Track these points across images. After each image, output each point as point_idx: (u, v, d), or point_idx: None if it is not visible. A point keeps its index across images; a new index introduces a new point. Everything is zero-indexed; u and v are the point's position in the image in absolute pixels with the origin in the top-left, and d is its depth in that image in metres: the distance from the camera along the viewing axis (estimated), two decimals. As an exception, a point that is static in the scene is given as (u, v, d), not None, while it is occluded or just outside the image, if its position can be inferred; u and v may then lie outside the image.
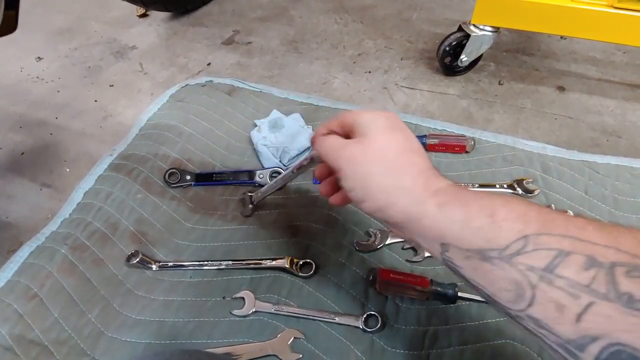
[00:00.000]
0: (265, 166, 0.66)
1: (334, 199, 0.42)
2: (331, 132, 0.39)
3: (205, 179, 0.64)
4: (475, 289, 0.30)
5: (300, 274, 0.52)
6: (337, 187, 0.42)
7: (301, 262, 0.53)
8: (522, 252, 0.26)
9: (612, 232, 0.25)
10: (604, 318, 0.22)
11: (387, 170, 0.33)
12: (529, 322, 0.26)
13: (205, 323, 0.49)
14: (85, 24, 1.29)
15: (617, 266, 0.23)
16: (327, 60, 1.05)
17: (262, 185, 0.63)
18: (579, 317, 0.23)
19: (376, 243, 0.55)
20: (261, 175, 0.63)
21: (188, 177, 0.64)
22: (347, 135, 0.38)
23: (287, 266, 0.52)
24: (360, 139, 0.35)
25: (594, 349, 0.22)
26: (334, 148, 0.37)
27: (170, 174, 0.64)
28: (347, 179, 0.35)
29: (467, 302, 0.49)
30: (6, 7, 0.63)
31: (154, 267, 0.54)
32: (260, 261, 0.53)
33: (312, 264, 0.52)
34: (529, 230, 0.26)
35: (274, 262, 0.53)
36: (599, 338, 0.22)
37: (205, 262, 0.54)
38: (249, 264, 0.53)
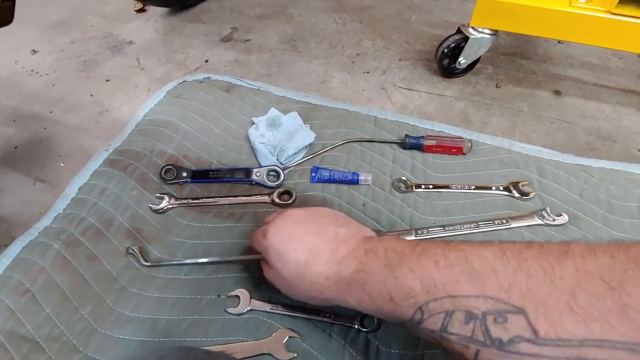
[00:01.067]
0: (263, 164, 0.66)
1: None
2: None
3: (201, 176, 0.64)
4: None
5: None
6: None
7: None
8: (422, 320, 0.31)
9: (479, 279, 0.28)
10: None
11: (305, 293, 0.40)
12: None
13: (199, 321, 0.48)
14: (81, 18, 1.28)
15: (487, 315, 0.27)
16: (325, 60, 1.05)
17: (259, 184, 0.63)
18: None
19: (372, 243, 0.54)
20: (258, 174, 0.63)
21: (184, 174, 0.63)
22: None
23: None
24: (271, 270, 0.44)
25: None
26: (265, 274, 0.46)
27: (167, 171, 0.63)
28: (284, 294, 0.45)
29: (462, 303, 0.49)
30: (2, -2, 0.62)
31: (143, 262, 0.53)
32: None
33: None
34: (420, 302, 0.31)
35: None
36: None
37: (206, 258, 0.54)
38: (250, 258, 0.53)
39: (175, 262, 0.54)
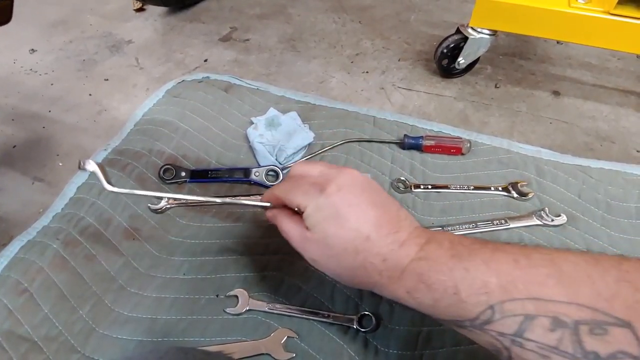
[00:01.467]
0: (262, 164, 0.66)
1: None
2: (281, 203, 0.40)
3: (200, 175, 0.64)
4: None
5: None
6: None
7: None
8: (491, 321, 0.27)
9: (571, 283, 0.25)
10: None
11: (349, 271, 0.35)
12: None
13: (198, 321, 0.48)
14: (80, 17, 1.28)
15: (580, 325, 0.24)
16: (324, 60, 1.05)
17: (258, 184, 0.63)
18: None
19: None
20: (257, 173, 0.63)
21: (183, 174, 0.63)
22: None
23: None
24: (313, 235, 0.36)
25: None
26: (294, 238, 0.38)
27: (165, 170, 0.63)
28: (317, 267, 0.37)
29: (461, 304, 0.49)
30: (1, -2, 0.62)
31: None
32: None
33: None
34: (493, 300, 0.27)
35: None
36: None
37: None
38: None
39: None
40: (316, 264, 0.37)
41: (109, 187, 0.45)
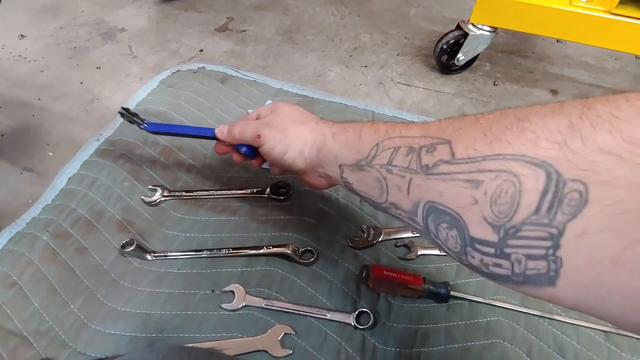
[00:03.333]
0: (259, 157, 0.64)
1: (254, 162, 0.52)
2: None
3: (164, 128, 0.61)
4: (364, 199, 0.39)
5: (301, 260, 0.51)
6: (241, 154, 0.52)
7: (302, 250, 0.52)
8: (376, 156, 0.36)
9: (427, 126, 0.34)
10: (417, 187, 0.31)
11: (297, 123, 0.46)
12: (391, 208, 0.35)
13: (193, 316, 0.47)
14: (71, 3, 1.24)
15: (422, 148, 0.31)
16: (322, 52, 1.04)
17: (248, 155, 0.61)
18: (407, 191, 0.32)
19: (369, 239, 0.54)
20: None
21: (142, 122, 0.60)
22: None
23: (288, 252, 0.51)
24: (270, 114, 0.48)
25: (419, 211, 0.31)
26: (251, 125, 0.48)
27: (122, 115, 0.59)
28: (267, 141, 0.46)
29: (459, 302, 0.49)
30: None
31: (148, 257, 0.52)
32: (261, 248, 0.52)
33: (313, 251, 0.52)
34: (378, 139, 0.37)
35: (274, 249, 0.52)
36: (419, 202, 0.31)
37: (201, 251, 0.53)
38: (249, 250, 0.52)
39: (172, 256, 0.53)
40: (267, 132, 0.46)
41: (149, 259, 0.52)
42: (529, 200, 0.23)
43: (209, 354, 0.30)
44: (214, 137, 0.52)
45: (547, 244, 0.22)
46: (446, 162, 0.29)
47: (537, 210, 0.23)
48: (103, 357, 0.44)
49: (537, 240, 0.23)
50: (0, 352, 0.43)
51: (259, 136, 0.46)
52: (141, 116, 0.57)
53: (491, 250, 0.25)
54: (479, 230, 0.26)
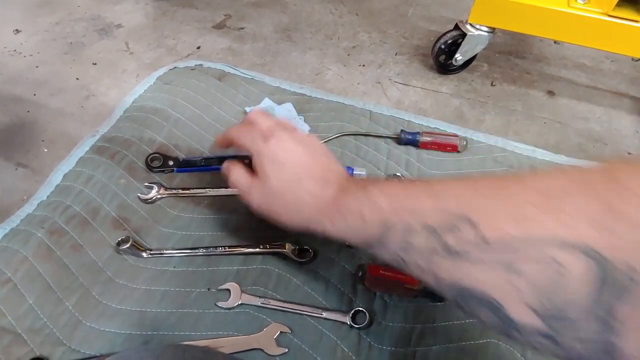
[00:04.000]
0: (256, 156, 0.64)
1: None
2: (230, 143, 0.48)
3: (188, 164, 0.62)
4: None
5: (298, 259, 0.51)
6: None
7: (299, 248, 0.52)
8: (387, 236, 0.33)
9: (434, 191, 0.31)
10: (446, 272, 0.28)
11: (287, 209, 0.41)
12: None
13: (188, 314, 0.47)
14: (68, -2, 1.23)
15: (443, 228, 0.29)
16: (320, 51, 1.04)
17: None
18: (433, 275, 0.29)
19: (366, 239, 0.54)
20: (247, 161, 0.61)
21: (171, 163, 0.61)
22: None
23: (285, 251, 0.51)
24: (256, 179, 0.43)
25: (450, 292, 0.29)
26: (240, 184, 0.45)
27: (153, 159, 0.62)
28: (260, 211, 0.43)
29: (455, 301, 0.49)
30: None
31: (144, 254, 0.52)
32: (257, 246, 0.52)
33: (309, 250, 0.52)
34: (383, 216, 0.33)
35: (271, 248, 0.52)
36: (449, 284, 0.28)
37: (197, 249, 0.52)
38: (246, 248, 0.52)
39: (168, 254, 0.53)
40: (260, 206, 0.43)
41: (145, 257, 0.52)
42: (575, 287, 0.22)
43: (204, 352, 0.30)
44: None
45: (600, 330, 0.21)
46: (477, 246, 0.26)
47: (586, 297, 0.22)
48: (97, 354, 0.44)
49: (588, 328, 0.22)
50: (-6, 350, 0.43)
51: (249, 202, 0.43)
52: (138, 113, 0.57)
53: (536, 333, 0.24)
54: (522, 315, 0.24)
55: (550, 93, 0.95)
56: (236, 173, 0.45)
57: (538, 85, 0.97)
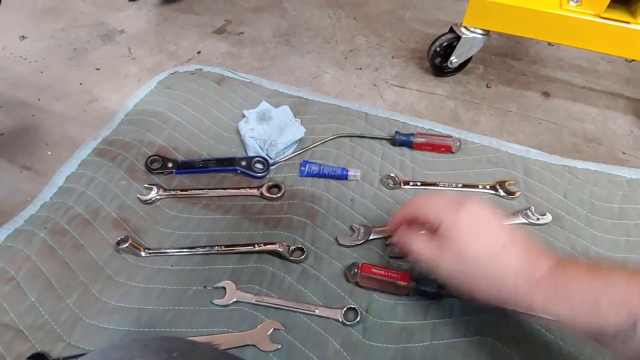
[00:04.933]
0: (252, 157, 0.65)
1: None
2: (407, 223, 0.45)
3: (187, 166, 0.63)
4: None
5: (292, 258, 0.52)
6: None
7: (293, 247, 0.53)
8: (634, 336, 0.30)
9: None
10: None
11: (483, 283, 0.38)
12: None
13: (185, 312, 0.48)
14: (71, 4, 1.26)
15: None
16: (318, 55, 1.05)
17: (245, 173, 0.63)
18: None
19: (359, 238, 0.55)
20: (243, 163, 0.63)
21: (170, 165, 0.63)
22: (424, 222, 0.43)
23: (279, 250, 0.52)
24: (448, 249, 0.39)
25: None
26: (427, 254, 0.41)
27: (152, 161, 0.63)
28: (450, 283, 0.41)
29: (446, 299, 0.50)
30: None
31: (142, 253, 0.53)
32: (252, 245, 0.53)
33: (303, 249, 0.53)
34: (637, 315, 0.30)
35: (265, 247, 0.53)
36: None
37: (194, 248, 0.54)
38: (241, 247, 0.53)
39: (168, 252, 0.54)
40: (451, 277, 0.40)
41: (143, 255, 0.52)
42: None
43: (189, 343, 0.31)
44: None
45: None
46: None
47: None
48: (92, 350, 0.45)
49: None
50: (-3, 345, 0.45)
51: (439, 276, 0.41)
52: (139, 117, 0.58)
53: None
54: None
55: (546, 94, 0.95)
56: (421, 242, 0.42)
57: (533, 86, 0.97)
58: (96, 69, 1.03)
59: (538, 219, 0.58)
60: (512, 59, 1.04)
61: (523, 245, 0.38)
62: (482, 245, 0.38)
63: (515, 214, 0.59)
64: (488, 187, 0.63)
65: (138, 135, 0.68)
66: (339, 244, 0.55)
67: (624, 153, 0.83)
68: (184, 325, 0.47)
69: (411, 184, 0.63)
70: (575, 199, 0.62)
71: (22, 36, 1.13)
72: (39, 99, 0.94)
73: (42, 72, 1.02)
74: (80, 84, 0.98)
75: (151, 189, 0.60)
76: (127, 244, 0.52)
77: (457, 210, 0.40)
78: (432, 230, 0.42)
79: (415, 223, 0.45)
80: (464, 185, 0.63)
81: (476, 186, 0.63)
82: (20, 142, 0.83)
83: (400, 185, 0.63)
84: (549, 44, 1.09)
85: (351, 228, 0.56)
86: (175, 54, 1.07)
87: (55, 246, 0.53)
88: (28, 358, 0.44)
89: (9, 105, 0.92)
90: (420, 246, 0.42)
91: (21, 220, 0.56)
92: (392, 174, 0.64)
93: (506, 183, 0.63)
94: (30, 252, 0.52)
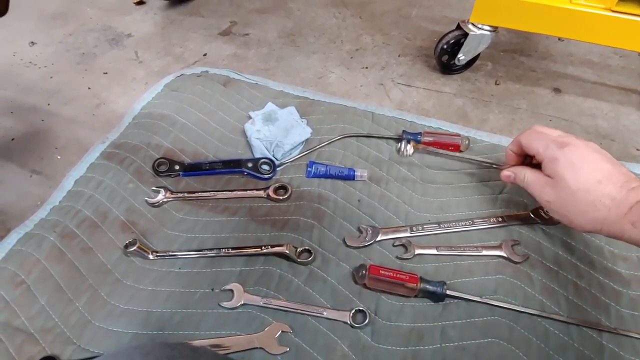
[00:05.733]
0: (259, 159, 0.65)
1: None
2: (518, 152, 0.52)
3: (193, 168, 0.64)
4: None
5: (299, 260, 0.52)
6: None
7: (300, 249, 0.53)
8: None
9: None
10: None
11: (579, 209, 0.43)
12: None
13: (192, 314, 0.48)
14: (79, 9, 1.27)
15: None
16: (324, 55, 1.04)
17: (252, 175, 0.63)
18: None
19: (367, 239, 0.55)
20: (250, 165, 0.63)
21: (177, 167, 0.63)
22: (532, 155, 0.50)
23: (286, 252, 0.52)
24: (550, 180, 0.46)
25: None
26: (533, 183, 0.48)
27: (160, 164, 0.63)
28: (550, 210, 0.47)
29: (455, 301, 0.49)
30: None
31: (150, 256, 0.53)
32: (260, 247, 0.53)
33: (310, 251, 0.53)
34: None
35: (273, 249, 0.53)
36: None
37: (202, 250, 0.54)
38: (249, 249, 0.53)
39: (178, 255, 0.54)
40: (550, 204, 0.46)
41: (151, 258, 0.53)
42: None
43: (191, 350, 0.31)
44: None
45: None
46: None
47: None
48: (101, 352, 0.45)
49: None
50: (8, 348, 0.45)
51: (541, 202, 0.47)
52: (146, 120, 0.59)
53: None
54: None
55: (556, 90, 0.94)
56: (529, 172, 0.49)
57: (543, 82, 0.95)
58: (104, 73, 1.04)
59: (550, 217, 0.57)
60: (521, 55, 1.03)
61: (622, 176, 0.42)
62: (583, 175, 0.43)
63: (526, 213, 0.58)
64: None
65: (145, 138, 0.68)
66: (347, 246, 0.54)
67: (638, 149, 0.81)
68: (192, 328, 0.47)
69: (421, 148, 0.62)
70: (588, 197, 0.60)
71: (32, 42, 1.15)
72: (49, 104, 0.95)
73: (51, 77, 1.03)
74: (89, 88, 0.99)
75: (158, 192, 0.60)
76: (135, 247, 0.52)
77: (558, 150, 0.45)
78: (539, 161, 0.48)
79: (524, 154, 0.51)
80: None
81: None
82: (30, 146, 0.84)
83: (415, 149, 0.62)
84: (559, 39, 1.06)
85: (359, 229, 0.56)
86: (181, 56, 1.07)
87: (64, 250, 0.54)
88: (38, 361, 0.44)
89: (19, 110, 0.94)
90: (529, 175, 0.49)
91: (31, 224, 0.57)
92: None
93: (516, 182, 0.61)
94: (40, 256, 0.53)
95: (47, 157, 0.80)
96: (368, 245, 0.54)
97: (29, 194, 0.73)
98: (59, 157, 0.80)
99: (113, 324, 0.48)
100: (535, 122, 0.81)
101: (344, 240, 0.55)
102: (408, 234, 0.56)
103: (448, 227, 0.56)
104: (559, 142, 0.45)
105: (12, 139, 0.84)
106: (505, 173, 0.53)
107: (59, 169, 0.78)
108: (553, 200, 0.45)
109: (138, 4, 1.29)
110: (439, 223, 0.57)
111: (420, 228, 0.56)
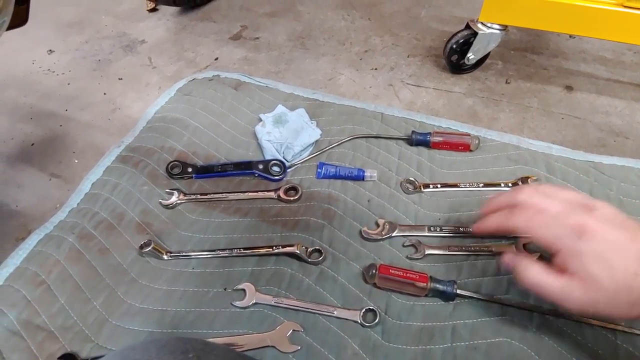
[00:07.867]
0: (269, 161, 0.66)
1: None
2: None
3: (206, 171, 0.65)
4: None
5: (310, 259, 0.53)
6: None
7: (311, 249, 0.54)
8: None
9: None
10: None
11: (624, 308, 0.36)
12: None
13: (206, 313, 0.49)
14: (95, 18, 1.31)
15: None
16: (333, 57, 1.05)
17: (263, 176, 0.64)
18: None
19: (383, 233, 0.55)
20: (261, 166, 0.64)
21: (190, 170, 0.65)
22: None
23: (297, 251, 0.52)
24: (575, 280, 0.36)
25: None
26: (551, 288, 0.38)
27: (173, 166, 0.65)
28: (578, 313, 0.39)
29: (466, 300, 0.49)
30: (17, 3, 0.64)
31: (165, 256, 0.55)
32: (271, 247, 0.54)
33: (321, 251, 0.53)
34: None
35: (284, 249, 0.53)
36: None
37: (214, 251, 0.55)
38: (260, 249, 0.54)
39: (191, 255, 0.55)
40: (584, 307, 0.37)
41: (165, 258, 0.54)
42: None
43: (205, 344, 0.32)
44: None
45: None
46: None
47: None
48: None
49: None
50: (29, 345, 0.47)
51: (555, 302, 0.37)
52: (159, 124, 0.60)
53: None
54: None
55: (569, 88, 0.93)
56: (536, 271, 0.39)
57: (555, 80, 0.94)
58: (119, 78, 1.07)
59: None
60: (532, 53, 1.02)
61: None
62: (616, 272, 0.35)
63: (537, 212, 0.57)
64: (510, 185, 0.62)
65: (159, 142, 0.70)
66: (363, 238, 0.55)
67: (653, 147, 0.80)
68: (205, 327, 0.48)
69: (431, 186, 0.62)
70: (601, 196, 0.60)
71: (50, 50, 1.19)
72: (66, 110, 0.98)
73: (68, 83, 1.06)
74: (104, 93, 1.02)
75: (172, 194, 0.61)
76: (149, 248, 0.53)
77: (577, 240, 0.36)
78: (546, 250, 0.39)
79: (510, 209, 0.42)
80: (485, 185, 0.62)
81: (498, 184, 0.62)
82: (49, 151, 0.87)
83: (420, 189, 0.62)
84: (570, 37, 1.05)
85: (376, 223, 0.56)
86: (193, 61, 1.10)
87: (82, 250, 0.55)
88: (59, 358, 0.45)
89: (38, 116, 0.97)
90: (540, 279, 0.38)
91: (51, 226, 0.59)
92: (411, 178, 0.63)
93: (529, 179, 0.61)
94: (60, 257, 0.54)
95: (66, 161, 0.82)
96: (384, 238, 0.55)
97: (49, 196, 0.75)
98: (76, 161, 0.82)
99: (129, 323, 0.49)
100: (547, 120, 0.80)
101: (360, 232, 0.55)
102: (422, 233, 0.56)
103: (466, 230, 0.56)
104: (573, 228, 0.37)
105: (32, 144, 0.87)
106: (506, 259, 0.43)
107: (77, 172, 0.80)
108: (587, 304, 0.37)
109: (151, 10, 1.32)
110: (457, 226, 0.56)
111: (437, 229, 0.56)
